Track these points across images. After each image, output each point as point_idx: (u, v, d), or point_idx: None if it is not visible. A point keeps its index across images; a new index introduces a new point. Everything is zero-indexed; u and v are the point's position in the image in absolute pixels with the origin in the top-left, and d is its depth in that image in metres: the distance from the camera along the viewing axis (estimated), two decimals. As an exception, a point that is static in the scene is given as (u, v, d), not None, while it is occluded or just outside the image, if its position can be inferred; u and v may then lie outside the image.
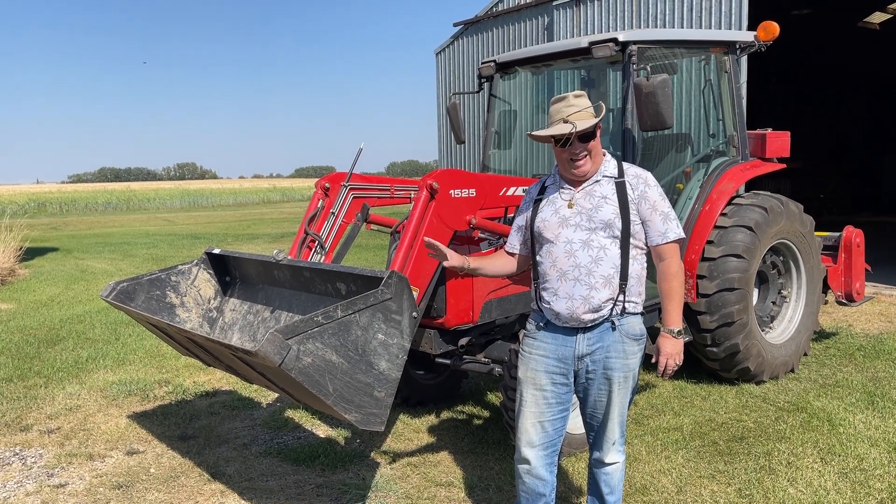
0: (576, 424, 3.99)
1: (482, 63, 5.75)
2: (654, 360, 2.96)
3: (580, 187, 2.95)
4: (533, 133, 2.96)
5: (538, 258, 3.01)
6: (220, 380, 6.02)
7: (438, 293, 4.07)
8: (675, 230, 2.92)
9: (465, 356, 4.40)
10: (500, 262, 3.23)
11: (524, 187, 4.26)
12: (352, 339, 2.95)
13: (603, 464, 3.06)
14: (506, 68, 5.65)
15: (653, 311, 4.86)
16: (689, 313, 5.18)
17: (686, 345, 2.97)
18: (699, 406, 5.13)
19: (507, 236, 3.31)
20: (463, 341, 4.29)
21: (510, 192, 4.36)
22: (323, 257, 4.47)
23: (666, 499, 3.78)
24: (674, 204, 5.30)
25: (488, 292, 4.29)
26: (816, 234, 6.10)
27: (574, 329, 2.93)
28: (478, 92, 5.89)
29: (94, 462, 4.47)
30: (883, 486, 3.84)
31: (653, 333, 3.19)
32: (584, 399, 3.02)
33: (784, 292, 6.00)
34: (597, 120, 2.86)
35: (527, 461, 3.03)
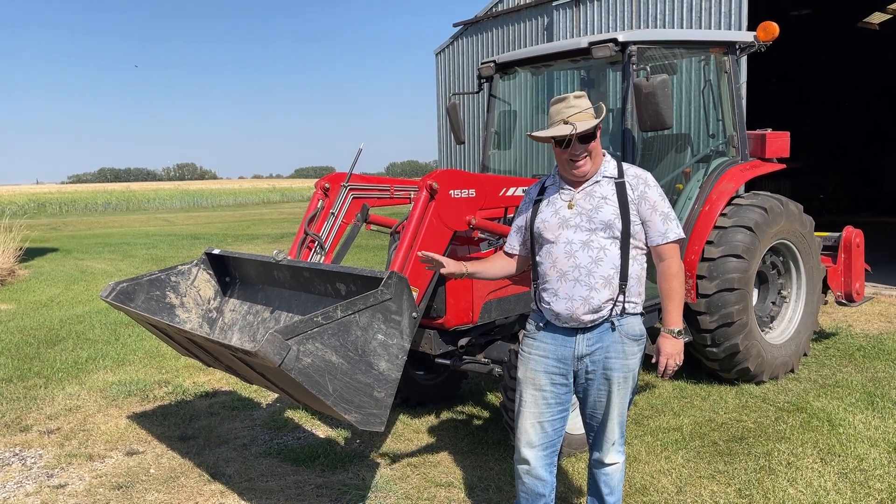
0: (575, 425, 3.99)
1: (482, 63, 5.75)
2: (654, 361, 2.96)
3: (580, 188, 2.95)
4: (533, 134, 2.96)
5: (538, 259, 3.01)
6: (219, 380, 6.02)
7: (438, 293, 4.07)
8: (675, 230, 2.92)
9: (464, 356, 4.40)
10: (500, 265, 3.23)
11: (524, 188, 4.26)
12: (351, 340, 2.95)
13: (603, 464, 3.06)
14: (505, 69, 5.65)
15: (652, 311, 4.86)
16: (689, 313, 5.18)
17: (686, 345, 2.97)
18: (699, 406, 5.13)
19: (506, 237, 3.31)
20: (463, 342, 4.29)
21: (510, 193, 4.36)
22: (323, 258, 4.47)
23: (666, 499, 3.78)
24: (673, 204, 5.29)
25: (488, 293, 4.29)
26: (816, 234, 6.10)
27: (574, 329, 2.93)
28: (477, 92, 5.89)
29: (93, 462, 4.47)
30: (883, 487, 3.84)
31: (653, 334, 3.19)
32: (583, 399, 3.02)
33: (784, 292, 6.00)
34: (597, 121, 2.86)
35: (526, 461, 3.03)
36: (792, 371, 5.84)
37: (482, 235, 4.48)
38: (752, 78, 10.66)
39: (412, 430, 4.86)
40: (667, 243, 2.91)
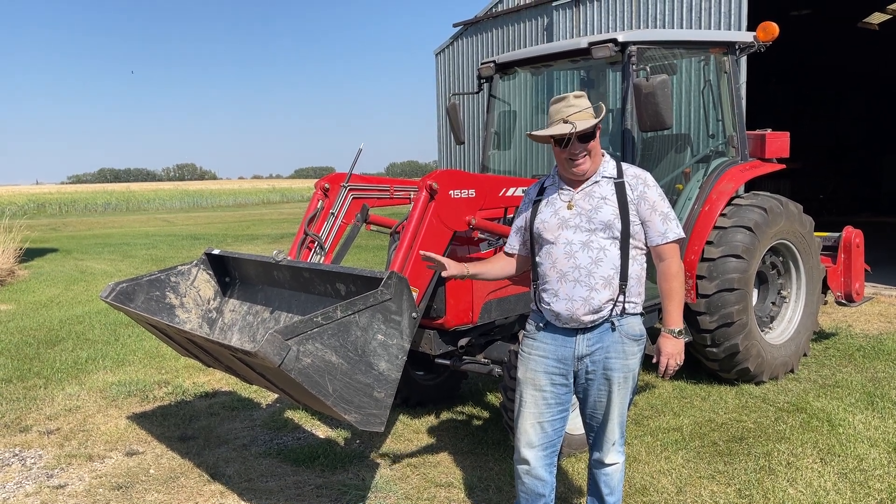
0: (575, 425, 3.99)
1: (482, 64, 5.75)
2: (654, 361, 2.96)
3: (579, 188, 2.95)
4: (532, 133, 2.96)
5: (538, 259, 3.01)
6: (219, 381, 6.02)
7: (438, 294, 4.07)
8: (675, 230, 2.92)
9: (464, 357, 4.40)
10: (500, 265, 3.23)
11: (524, 188, 4.26)
12: (351, 340, 2.95)
13: (603, 464, 3.06)
14: (505, 69, 5.65)
15: (652, 311, 4.86)
16: (689, 314, 5.18)
17: (686, 345, 2.97)
18: (699, 406, 5.13)
19: (506, 237, 3.31)
20: (462, 342, 4.29)
21: (510, 193, 4.36)
22: (322, 258, 4.47)
23: (666, 499, 3.78)
24: (673, 204, 5.29)
25: (488, 293, 4.29)
26: (816, 234, 6.10)
27: (574, 330, 2.93)
28: (477, 92, 5.89)
29: (93, 463, 4.47)
30: (882, 487, 3.84)
31: (653, 334, 3.19)
32: (583, 400, 3.02)
33: (784, 293, 6.00)
34: (597, 120, 2.86)
35: (526, 462, 3.03)
36: (792, 371, 5.85)
37: (482, 236, 4.48)
38: (752, 78, 10.66)
39: (412, 431, 4.86)
40: (666, 243, 2.91)
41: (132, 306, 4.17)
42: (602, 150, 2.98)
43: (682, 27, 11.50)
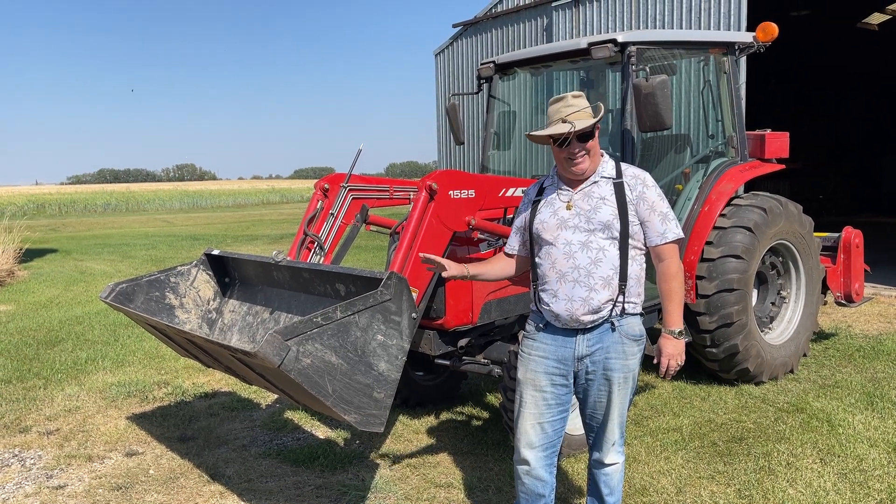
0: (575, 425, 3.99)
1: (481, 64, 5.75)
2: (655, 362, 2.96)
3: (578, 188, 2.95)
4: (531, 133, 2.96)
5: (537, 260, 3.01)
6: (219, 381, 6.01)
7: (438, 294, 4.07)
8: (675, 230, 2.92)
9: (464, 357, 4.40)
10: (500, 266, 3.23)
11: (523, 188, 4.26)
12: (351, 340, 2.95)
13: (602, 464, 3.06)
14: (505, 69, 5.65)
15: (652, 311, 4.86)
16: (689, 314, 5.17)
17: (685, 345, 2.97)
18: (698, 407, 5.13)
19: (506, 237, 3.31)
20: (462, 342, 4.29)
21: (509, 193, 4.36)
22: (322, 258, 4.47)
23: (665, 499, 3.78)
24: (673, 205, 5.30)
25: (488, 293, 4.29)
26: (815, 234, 6.10)
27: (573, 330, 2.93)
28: (477, 93, 5.89)
29: (93, 463, 4.46)
30: (882, 487, 3.84)
31: (653, 334, 3.19)
32: (583, 400, 3.02)
33: (783, 293, 6.00)
34: (595, 120, 2.86)
35: (526, 462, 3.03)
36: (791, 371, 5.85)
37: (482, 236, 4.48)
38: (752, 78, 10.66)
39: (412, 431, 4.86)
40: (666, 243, 2.91)
41: (132, 307, 4.17)
42: (601, 151, 2.99)
43: (681, 27, 11.50)
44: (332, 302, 3.53)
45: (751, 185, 6.38)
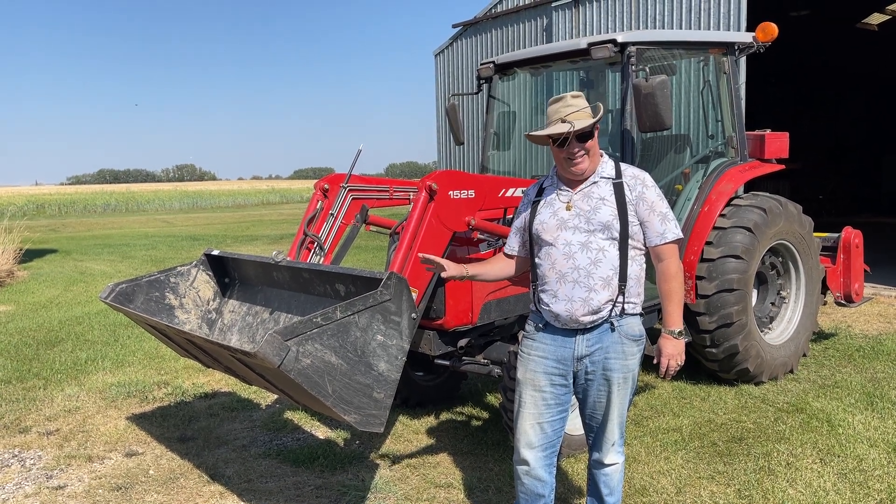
0: (575, 425, 3.99)
1: (481, 64, 5.75)
2: (655, 362, 2.96)
3: (578, 189, 2.95)
4: (531, 133, 2.96)
5: (537, 260, 3.01)
6: (219, 381, 6.01)
7: (437, 294, 4.07)
8: (674, 231, 2.92)
9: (464, 357, 4.40)
10: (500, 266, 3.23)
11: (523, 188, 4.26)
12: (351, 341, 2.95)
13: (602, 465, 3.06)
14: (505, 69, 5.65)
15: (652, 311, 4.86)
16: (688, 314, 5.18)
17: (685, 346, 2.97)
18: (698, 407, 5.13)
19: (506, 237, 3.31)
20: (462, 342, 4.29)
21: (509, 194, 4.36)
22: (322, 258, 4.47)
23: (665, 500, 3.78)
24: (673, 205, 5.30)
25: (487, 293, 4.29)
26: (815, 234, 6.10)
27: (573, 330, 2.93)
28: (477, 93, 5.89)
29: (93, 464, 4.46)
30: (882, 487, 3.84)
31: (653, 334, 3.19)
32: (583, 400, 3.02)
33: (783, 293, 6.00)
34: (594, 120, 2.86)
35: (526, 462, 3.03)
36: (791, 371, 5.85)
37: (481, 236, 4.48)
38: (752, 78, 10.67)
39: (412, 431, 4.86)
40: (665, 244, 2.91)
41: (131, 307, 4.17)
42: (601, 151, 2.99)
43: (681, 28, 11.50)
44: (332, 302, 3.53)
45: (750, 186, 6.38)
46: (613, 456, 3.04)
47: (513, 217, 3.39)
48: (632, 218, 2.89)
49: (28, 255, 14.73)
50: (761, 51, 5.69)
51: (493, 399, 5.44)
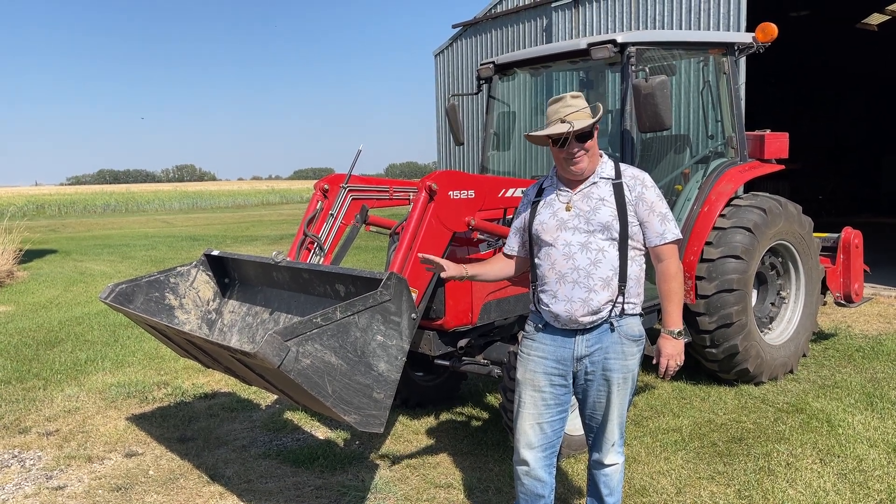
0: (575, 426, 3.99)
1: (481, 64, 5.75)
2: (654, 362, 2.96)
3: (577, 189, 2.95)
4: (530, 133, 2.96)
5: (536, 261, 3.01)
6: (218, 382, 6.01)
7: (437, 294, 4.07)
8: (674, 231, 2.92)
9: (464, 358, 4.40)
10: (499, 266, 3.23)
11: (523, 189, 4.26)
12: (351, 341, 2.95)
13: (602, 465, 3.06)
14: (504, 70, 5.65)
15: (651, 312, 4.86)
16: (688, 314, 5.18)
17: (685, 346, 2.97)
18: (698, 407, 5.13)
19: (505, 238, 3.31)
20: (462, 343, 4.29)
21: (509, 194, 4.36)
22: (322, 259, 4.47)
23: (665, 500, 3.78)
24: (672, 205, 5.30)
25: (487, 294, 4.29)
26: (815, 235, 6.10)
27: (573, 331, 2.93)
28: (477, 93, 5.89)
29: (92, 464, 4.46)
30: (882, 487, 3.84)
31: (652, 334, 3.19)
32: (583, 400, 3.02)
33: (783, 293, 6.00)
34: (594, 120, 2.86)
35: (525, 462, 3.03)
36: (791, 372, 5.85)
37: (481, 236, 4.48)
38: (751, 79, 10.67)
39: (411, 432, 4.86)
40: (665, 244, 2.91)
41: (131, 307, 4.17)
42: (600, 151, 2.99)
43: (681, 28, 11.50)
44: (332, 302, 3.53)
45: (750, 186, 6.38)
46: (613, 456, 3.04)
47: (512, 217, 3.39)
48: (631, 218, 2.89)
49: (28, 256, 14.73)
50: (761, 51, 5.69)
51: (493, 399, 5.44)
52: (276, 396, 5.33)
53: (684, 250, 5.21)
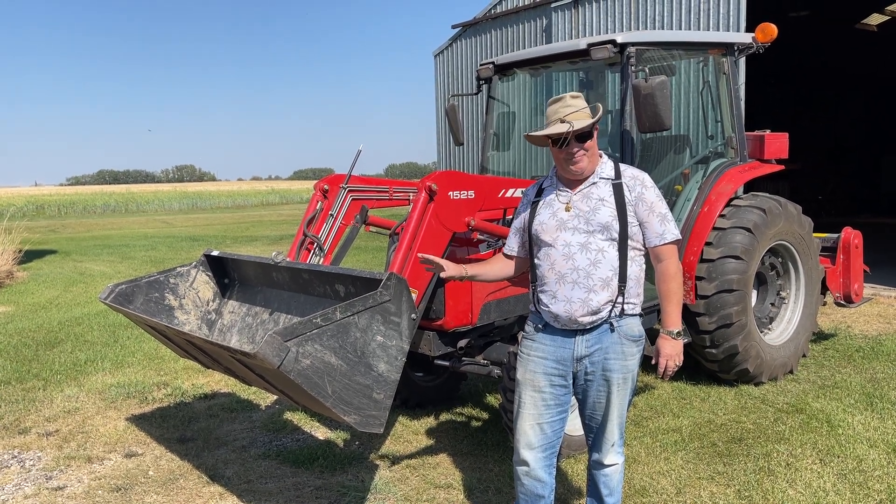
0: (575, 426, 3.98)
1: (481, 65, 5.75)
2: (653, 362, 2.96)
3: (577, 189, 2.95)
4: (530, 134, 2.96)
5: (536, 261, 3.01)
6: (218, 382, 6.01)
7: (437, 295, 4.07)
8: (673, 231, 2.92)
9: (463, 358, 4.40)
10: (499, 266, 3.23)
11: (523, 189, 4.26)
12: (350, 341, 2.95)
13: (602, 465, 3.06)
14: (504, 70, 5.65)
15: (651, 312, 4.86)
16: (688, 315, 5.18)
17: (685, 346, 2.97)
18: (698, 407, 5.13)
19: (505, 238, 3.31)
20: (462, 343, 4.29)
21: (509, 194, 4.36)
22: (322, 259, 4.47)
23: (665, 500, 3.78)
24: (672, 206, 5.30)
25: (487, 294, 4.29)
26: (815, 235, 6.10)
27: (573, 331, 2.93)
28: (476, 94, 5.89)
29: (92, 465, 4.46)
30: (882, 488, 3.84)
31: (652, 335, 3.19)
32: (582, 400, 3.02)
33: (783, 294, 6.00)
34: (593, 120, 2.86)
35: (525, 463, 3.03)
36: (791, 372, 5.85)
37: (481, 237, 4.48)
38: (751, 79, 10.67)
39: (411, 432, 4.86)
40: (664, 244, 2.91)
41: (131, 308, 4.17)
42: (600, 152, 2.99)
43: (680, 28, 11.50)
44: (332, 303, 3.53)
45: (750, 186, 6.38)
46: (613, 456, 3.04)
47: (512, 217, 3.39)
48: (631, 219, 2.89)
49: (27, 256, 14.73)
50: (761, 51, 5.69)
51: (493, 400, 5.44)
52: (275, 397, 5.33)
53: (684, 250, 5.21)
